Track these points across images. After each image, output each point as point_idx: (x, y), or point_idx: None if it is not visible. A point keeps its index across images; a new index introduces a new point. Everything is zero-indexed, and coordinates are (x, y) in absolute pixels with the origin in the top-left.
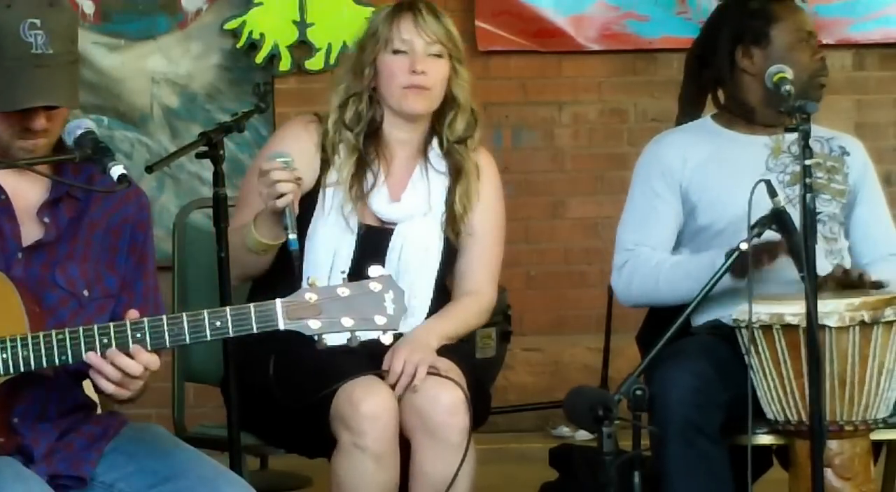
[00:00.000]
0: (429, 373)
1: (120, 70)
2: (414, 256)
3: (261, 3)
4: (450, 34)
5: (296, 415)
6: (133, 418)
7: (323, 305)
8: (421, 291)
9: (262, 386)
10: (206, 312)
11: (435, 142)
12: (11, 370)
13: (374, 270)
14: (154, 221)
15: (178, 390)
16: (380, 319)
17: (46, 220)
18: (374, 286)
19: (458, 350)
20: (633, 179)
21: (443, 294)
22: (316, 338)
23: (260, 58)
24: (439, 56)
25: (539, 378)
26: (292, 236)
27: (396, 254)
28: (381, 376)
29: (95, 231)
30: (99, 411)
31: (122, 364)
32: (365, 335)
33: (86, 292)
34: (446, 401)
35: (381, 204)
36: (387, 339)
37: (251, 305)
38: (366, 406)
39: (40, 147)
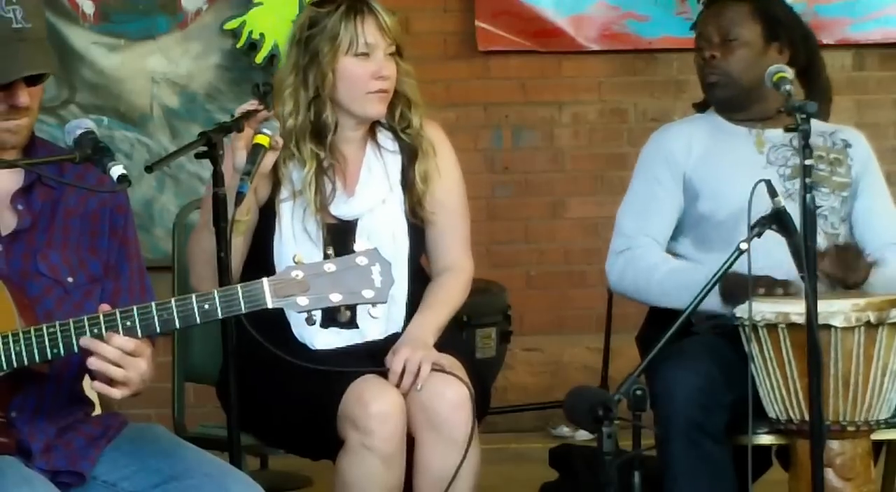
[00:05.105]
0: (433, 370)
1: (120, 70)
2: (383, 247)
3: (261, 3)
4: (399, 29)
5: (300, 417)
6: (133, 418)
7: (310, 282)
8: (396, 279)
9: (263, 388)
10: (193, 295)
11: (380, 126)
12: (5, 366)
13: (359, 245)
14: (154, 220)
15: (178, 390)
16: (367, 293)
17: (20, 207)
18: (361, 260)
19: (458, 345)
20: (637, 165)
21: (419, 276)
22: (306, 314)
23: (260, 58)
24: (393, 54)
25: (539, 378)
26: (246, 179)
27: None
28: (384, 374)
29: (72, 217)
30: (98, 411)
31: (99, 349)
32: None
33: (70, 279)
34: (452, 397)
35: (338, 205)
36: (376, 311)
37: (238, 285)
38: (376, 406)
39: (23, 127)
